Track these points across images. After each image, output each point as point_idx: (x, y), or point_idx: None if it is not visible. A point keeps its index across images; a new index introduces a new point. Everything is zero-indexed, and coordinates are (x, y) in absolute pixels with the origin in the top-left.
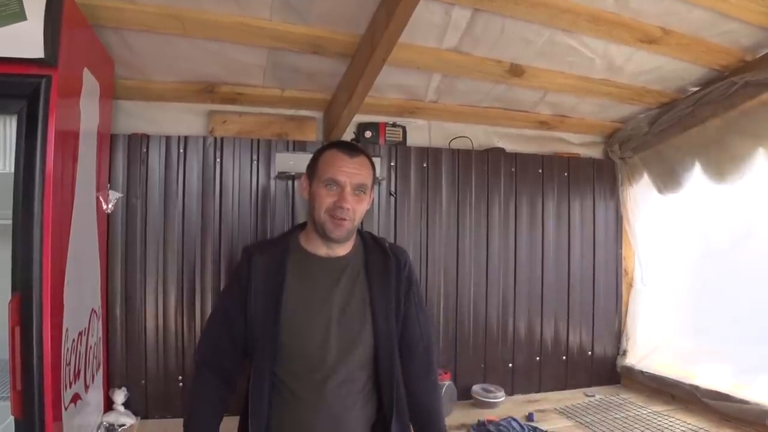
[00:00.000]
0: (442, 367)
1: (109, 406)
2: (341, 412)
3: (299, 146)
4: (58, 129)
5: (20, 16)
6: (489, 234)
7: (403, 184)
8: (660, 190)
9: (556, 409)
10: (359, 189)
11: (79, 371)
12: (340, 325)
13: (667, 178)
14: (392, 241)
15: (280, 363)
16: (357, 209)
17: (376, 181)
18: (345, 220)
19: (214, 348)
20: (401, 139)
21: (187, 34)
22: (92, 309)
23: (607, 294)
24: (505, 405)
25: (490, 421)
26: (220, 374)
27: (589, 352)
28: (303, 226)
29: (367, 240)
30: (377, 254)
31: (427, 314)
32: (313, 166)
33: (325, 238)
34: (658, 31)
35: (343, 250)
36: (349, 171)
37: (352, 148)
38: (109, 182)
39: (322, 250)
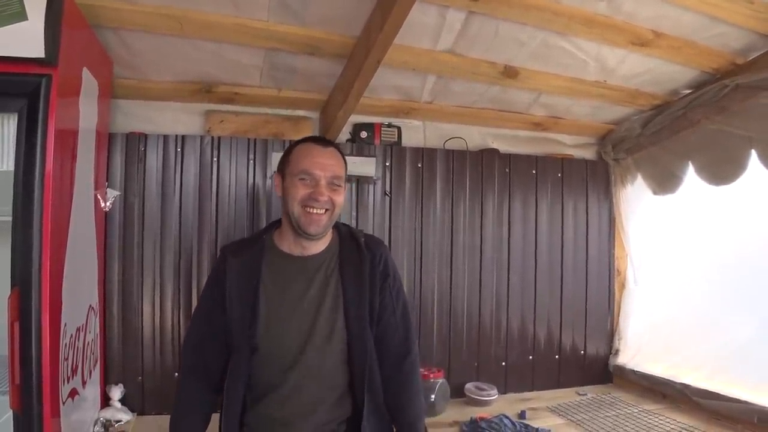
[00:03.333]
0: (436, 365)
1: (105, 402)
2: (315, 412)
3: None
4: (57, 128)
5: (21, 15)
6: (483, 234)
7: (398, 184)
8: (655, 191)
9: (548, 407)
10: (334, 180)
11: (76, 367)
12: (314, 326)
13: (662, 180)
14: (388, 240)
15: (256, 365)
16: (335, 200)
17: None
18: (321, 213)
19: (197, 350)
20: (396, 140)
21: (185, 34)
22: (90, 305)
23: (600, 294)
24: (497, 403)
25: (482, 419)
26: (206, 378)
27: (582, 352)
28: (278, 223)
29: (343, 234)
30: (351, 250)
31: (408, 306)
32: (285, 162)
33: (301, 234)
34: (650, 34)
35: (317, 247)
36: (323, 162)
37: (324, 141)
38: (107, 180)
39: (296, 248)
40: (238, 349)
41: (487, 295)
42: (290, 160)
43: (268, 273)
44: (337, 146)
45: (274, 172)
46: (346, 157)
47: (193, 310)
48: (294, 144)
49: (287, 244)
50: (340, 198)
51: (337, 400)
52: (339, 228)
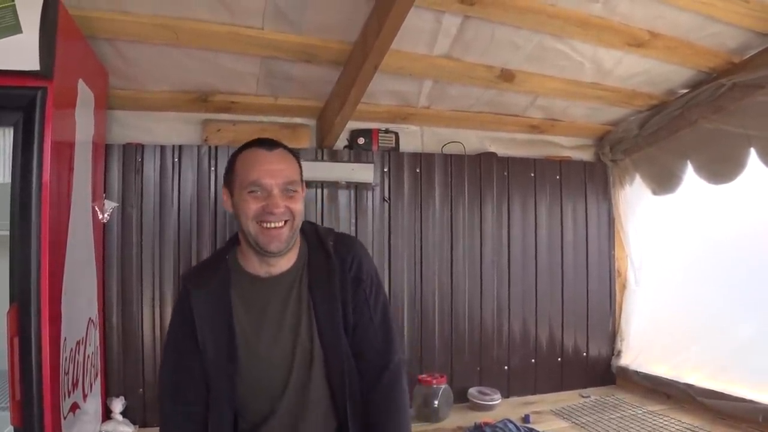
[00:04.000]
0: (438, 370)
1: (107, 415)
2: None
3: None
4: (54, 140)
5: (16, 28)
6: (482, 238)
7: (397, 189)
8: (654, 192)
9: (551, 410)
10: (289, 186)
11: (77, 380)
12: (295, 350)
13: (661, 180)
14: (387, 246)
15: (240, 402)
16: (293, 208)
17: (303, 175)
18: (280, 227)
19: (178, 398)
20: (394, 145)
21: (181, 43)
22: (89, 318)
23: (601, 295)
24: (501, 407)
25: (486, 424)
26: (191, 422)
27: (584, 354)
28: (237, 240)
29: (310, 242)
30: (320, 259)
31: (388, 310)
32: (230, 173)
33: (263, 253)
34: (646, 35)
35: (286, 262)
36: (273, 169)
37: (269, 143)
38: (105, 192)
39: (261, 269)
40: (218, 386)
41: (488, 298)
42: (236, 172)
43: (240, 301)
44: (285, 146)
45: (222, 187)
46: (345, 164)
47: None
48: (236, 152)
49: (251, 264)
50: (299, 205)
51: (325, 421)
52: (306, 233)
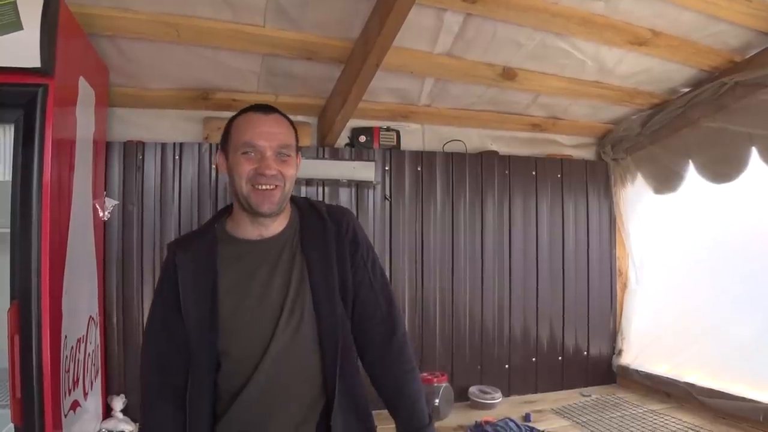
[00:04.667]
0: (439, 369)
1: (107, 412)
2: (300, 410)
3: None
4: (54, 137)
5: (16, 25)
6: (484, 236)
7: (398, 188)
8: (656, 190)
9: (552, 409)
10: (282, 150)
11: (78, 378)
12: (282, 315)
13: (662, 178)
14: (388, 244)
15: (222, 372)
16: (286, 173)
17: (299, 145)
18: (273, 188)
19: (158, 369)
20: (395, 143)
21: (182, 41)
22: (90, 316)
23: (602, 294)
24: (502, 406)
25: (487, 422)
26: (174, 398)
27: (585, 352)
28: (229, 208)
29: (302, 208)
30: (314, 222)
31: (386, 279)
32: (226, 137)
33: (254, 214)
34: (648, 33)
35: (277, 226)
36: (268, 131)
37: (265, 107)
38: (106, 190)
39: (253, 232)
40: (198, 355)
41: (489, 297)
42: (231, 134)
43: (226, 264)
44: (281, 113)
45: (218, 151)
46: (346, 162)
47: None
48: (233, 117)
49: (243, 229)
50: (291, 170)
51: (313, 394)
52: (297, 201)
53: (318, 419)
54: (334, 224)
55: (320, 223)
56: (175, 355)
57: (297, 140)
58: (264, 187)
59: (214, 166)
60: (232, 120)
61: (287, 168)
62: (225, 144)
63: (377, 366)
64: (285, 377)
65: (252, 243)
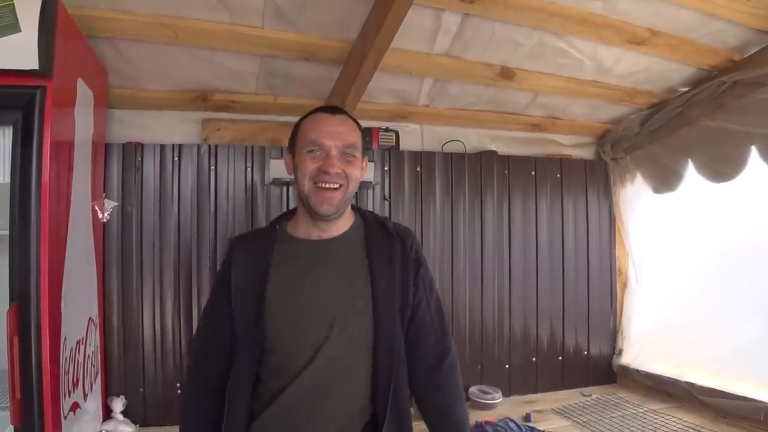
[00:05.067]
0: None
1: (107, 414)
2: (338, 418)
3: None
4: (53, 139)
5: (15, 27)
6: (483, 236)
7: (397, 188)
8: (655, 190)
9: (553, 409)
10: (348, 150)
11: (77, 380)
12: (336, 318)
13: (662, 178)
14: None
15: (265, 366)
16: (349, 173)
17: (365, 147)
18: (334, 190)
19: (203, 356)
20: (394, 144)
21: (180, 42)
22: (89, 317)
23: (602, 294)
24: (502, 406)
25: (487, 423)
26: (214, 386)
27: (585, 352)
28: (292, 212)
29: (367, 218)
30: (379, 234)
31: (440, 302)
32: (293, 137)
33: (314, 215)
34: (647, 33)
35: (337, 229)
36: (334, 130)
37: (333, 109)
38: (105, 191)
39: (313, 233)
40: (242, 349)
41: (489, 297)
42: (298, 134)
43: (281, 261)
44: (349, 114)
45: (286, 152)
46: None
47: (196, 319)
48: (302, 117)
49: (303, 228)
50: (356, 171)
51: (359, 404)
52: (362, 212)
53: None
54: (400, 240)
55: (387, 237)
56: (219, 347)
57: (363, 142)
58: (327, 185)
59: (286, 167)
60: (300, 120)
61: (352, 168)
62: (292, 144)
63: (425, 387)
64: (331, 382)
65: (309, 243)
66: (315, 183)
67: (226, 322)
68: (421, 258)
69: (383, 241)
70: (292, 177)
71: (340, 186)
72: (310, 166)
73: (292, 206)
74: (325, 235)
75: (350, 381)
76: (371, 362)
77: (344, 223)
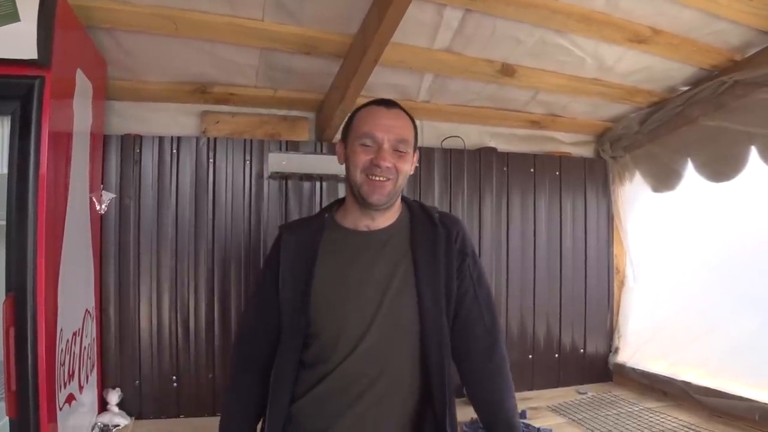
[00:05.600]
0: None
1: (103, 406)
2: (379, 407)
3: (292, 146)
4: (51, 130)
5: (14, 17)
6: (481, 233)
7: None
8: (654, 189)
9: (548, 406)
10: (400, 145)
11: (73, 372)
12: (381, 308)
13: (661, 177)
14: None
15: (309, 352)
16: (400, 168)
17: (417, 142)
18: (385, 180)
19: (250, 342)
20: None
21: (180, 34)
22: (86, 309)
23: (599, 292)
24: None
25: None
26: (257, 368)
27: (582, 350)
28: (341, 201)
29: (414, 209)
30: (425, 225)
31: (491, 294)
32: (347, 127)
33: (364, 204)
34: (648, 31)
35: (385, 221)
36: (387, 124)
37: (389, 102)
38: (102, 183)
39: (361, 223)
40: (288, 333)
41: None
42: (353, 125)
43: (328, 249)
44: (404, 109)
45: (339, 140)
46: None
47: (193, 311)
48: (357, 108)
49: (352, 218)
50: (406, 165)
51: (401, 392)
52: (408, 202)
53: (410, 423)
54: (445, 230)
55: (431, 227)
56: (267, 331)
57: (416, 138)
58: (378, 178)
59: (338, 156)
60: (355, 111)
61: (402, 163)
62: (346, 134)
63: (475, 379)
64: (373, 372)
65: (357, 233)
66: (367, 175)
67: (273, 307)
68: (467, 248)
69: (427, 232)
70: (341, 164)
71: (389, 179)
72: (362, 158)
73: (290, 200)
74: (374, 226)
75: (393, 372)
76: (419, 355)
77: (392, 215)
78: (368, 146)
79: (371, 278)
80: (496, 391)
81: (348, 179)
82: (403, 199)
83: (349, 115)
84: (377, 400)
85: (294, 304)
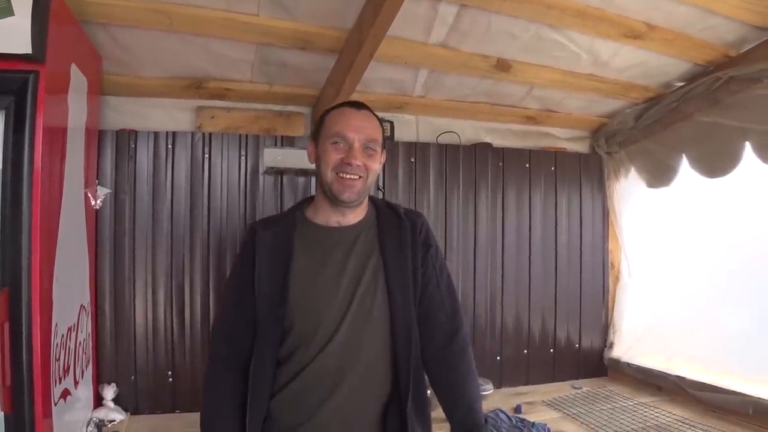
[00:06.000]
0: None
1: (98, 401)
2: (354, 397)
3: (287, 141)
4: (45, 125)
5: (8, 11)
6: (476, 228)
7: (391, 179)
8: (649, 184)
9: (543, 401)
10: (369, 144)
11: (68, 367)
12: (354, 300)
13: (656, 172)
14: None
15: (284, 346)
16: (370, 166)
17: (385, 142)
18: (355, 179)
19: (227, 338)
20: (389, 134)
21: (175, 29)
22: (81, 305)
23: (594, 287)
24: (493, 397)
25: None
26: (237, 366)
27: (576, 345)
28: (310, 199)
29: (379, 205)
30: (391, 219)
31: (452, 282)
32: (318, 127)
33: (335, 201)
34: (643, 27)
35: (355, 217)
36: (357, 125)
37: (358, 104)
38: (98, 178)
39: (332, 219)
40: (265, 329)
41: (482, 289)
42: (324, 125)
43: (302, 246)
44: (372, 111)
45: (309, 140)
46: None
47: (188, 307)
48: (328, 109)
49: (323, 215)
50: (376, 164)
51: (375, 385)
52: (374, 200)
53: (382, 410)
54: (410, 223)
55: (397, 221)
56: (243, 328)
57: (384, 137)
58: (348, 176)
59: (308, 155)
60: (326, 113)
61: (372, 162)
62: (317, 134)
63: (438, 365)
64: (349, 362)
65: (329, 229)
66: (337, 173)
67: (251, 303)
68: (430, 240)
69: (394, 226)
70: (312, 162)
71: (360, 177)
72: (333, 156)
73: (285, 195)
74: (344, 222)
75: (368, 361)
76: (390, 344)
77: (361, 211)
78: (339, 146)
79: (345, 272)
80: (459, 376)
81: (319, 177)
82: (369, 198)
83: (320, 116)
84: (353, 390)
85: (272, 299)
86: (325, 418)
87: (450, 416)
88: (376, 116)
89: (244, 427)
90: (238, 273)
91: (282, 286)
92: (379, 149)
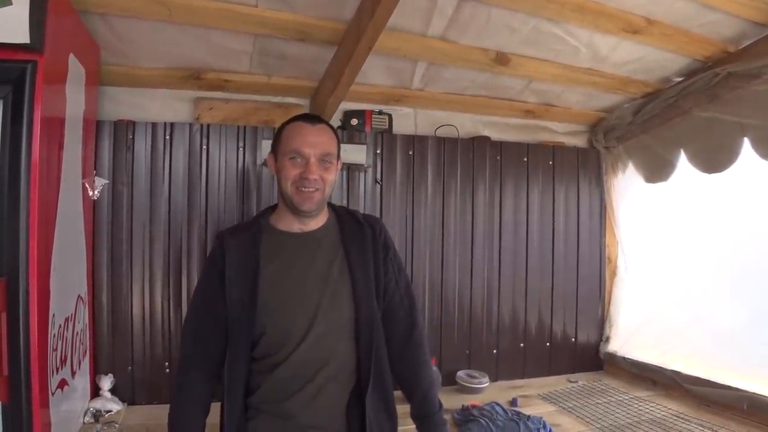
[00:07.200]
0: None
1: (95, 392)
2: (326, 389)
3: None
4: (43, 115)
5: (6, 0)
6: (474, 222)
7: (389, 171)
8: (647, 179)
9: (539, 394)
10: (325, 158)
11: (65, 357)
12: (323, 300)
13: (654, 168)
14: None
15: (258, 346)
16: (326, 178)
17: (340, 150)
18: (313, 191)
19: (197, 340)
20: (387, 127)
21: (174, 19)
22: (78, 295)
23: (591, 281)
24: (489, 391)
25: (474, 406)
26: (207, 368)
27: (573, 339)
28: (274, 207)
29: (339, 212)
30: (352, 224)
31: (408, 279)
32: (276, 141)
33: (296, 211)
34: (642, 21)
35: (316, 223)
36: (312, 140)
37: (313, 118)
38: (95, 169)
39: (294, 226)
40: (237, 332)
41: (479, 282)
42: (281, 140)
43: (268, 252)
44: (327, 123)
45: (269, 152)
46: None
47: (185, 298)
48: (284, 123)
49: (286, 222)
50: (332, 175)
51: (344, 377)
52: (334, 207)
53: (348, 399)
54: (370, 228)
55: (358, 226)
56: (213, 330)
57: (339, 148)
58: (307, 189)
59: (269, 167)
60: (282, 126)
61: (328, 174)
62: (275, 147)
63: (397, 356)
64: (320, 358)
65: (293, 235)
66: (297, 187)
67: (221, 307)
68: (389, 242)
69: (356, 231)
70: (273, 173)
71: (317, 189)
72: (292, 172)
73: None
74: (306, 228)
75: (337, 355)
76: (354, 338)
77: (322, 218)
78: (297, 161)
79: (312, 274)
80: (415, 367)
81: (280, 189)
82: (329, 204)
83: (276, 128)
84: (325, 383)
85: (242, 302)
86: (297, 408)
87: (409, 402)
88: (331, 127)
89: (221, 424)
90: (207, 278)
91: (252, 291)
92: (334, 161)
